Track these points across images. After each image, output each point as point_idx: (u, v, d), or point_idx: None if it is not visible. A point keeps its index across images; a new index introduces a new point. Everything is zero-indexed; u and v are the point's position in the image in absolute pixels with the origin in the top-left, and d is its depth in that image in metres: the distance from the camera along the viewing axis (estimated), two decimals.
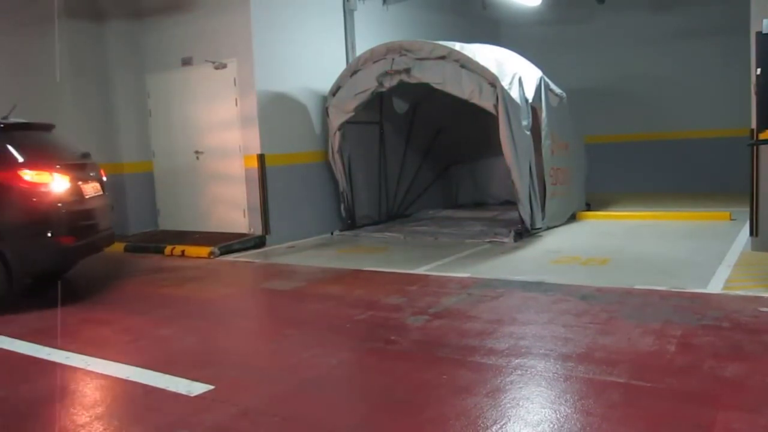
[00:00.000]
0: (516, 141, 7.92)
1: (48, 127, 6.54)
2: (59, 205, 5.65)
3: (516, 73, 8.28)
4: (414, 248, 7.82)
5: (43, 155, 5.90)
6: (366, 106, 9.08)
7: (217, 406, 3.28)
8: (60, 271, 6.63)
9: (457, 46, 8.22)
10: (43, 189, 5.59)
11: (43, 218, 5.61)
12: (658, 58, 12.45)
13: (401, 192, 10.66)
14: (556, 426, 2.87)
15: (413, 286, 5.78)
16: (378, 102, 9.68)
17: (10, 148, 5.68)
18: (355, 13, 9.95)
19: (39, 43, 9.29)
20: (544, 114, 8.67)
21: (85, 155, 6.51)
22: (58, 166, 5.80)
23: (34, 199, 5.57)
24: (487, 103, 7.92)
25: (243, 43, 8.50)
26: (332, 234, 9.29)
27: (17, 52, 9.55)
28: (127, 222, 9.58)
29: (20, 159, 5.64)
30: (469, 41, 8.77)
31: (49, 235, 5.59)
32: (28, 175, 5.57)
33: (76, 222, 5.81)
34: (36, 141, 6.11)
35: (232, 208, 8.98)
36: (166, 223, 9.83)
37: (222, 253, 7.93)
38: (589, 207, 10.11)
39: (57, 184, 5.68)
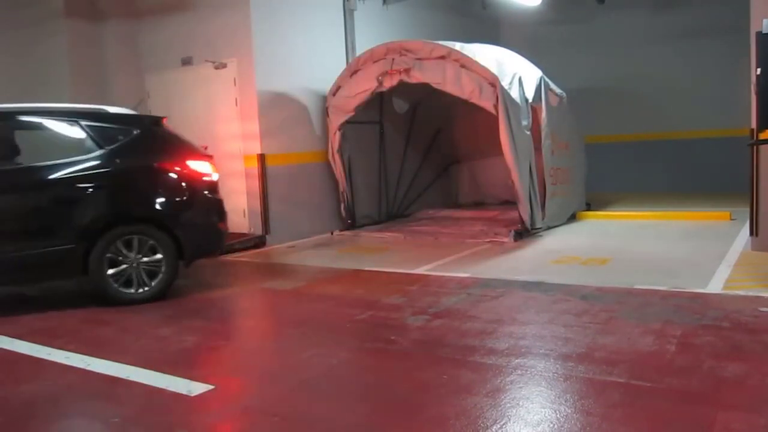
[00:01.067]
0: (516, 141, 7.92)
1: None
2: (217, 192, 6.12)
3: (516, 73, 8.29)
4: (414, 248, 7.82)
5: (190, 146, 6.18)
6: (366, 106, 9.08)
7: (217, 406, 3.28)
8: (211, 256, 6.72)
9: (457, 46, 8.22)
10: (205, 178, 5.99)
11: (209, 204, 6.03)
12: (658, 57, 12.45)
13: (401, 192, 10.66)
14: (556, 426, 2.87)
15: (413, 286, 5.78)
16: (378, 102, 9.68)
17: (173, 138, 6.15)
18: (355, 13, 9.94)
19: (39, 42, 9.30)
20: (544, 114, 8.67)
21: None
22: (207, 156, 6.23)
23: (200, 187, 5.98)
24: (487, 103, 7.91)
25: (243, 43, 8.50)
26: (332, 234, 9.29)
27: (17, 52, 9.56)
28: None
29: (193, 149, 6.11)
30: (469, 41, 8.77)
31: (214, 220, 6.06)
32: (193, 164, 5.95)
33: (224, 209, 6.24)
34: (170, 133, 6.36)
35: (232, 208, 8.94)
36: None
37: (222, 253, 7.92)
38: (589, 207, 10.11)
39: (213, 173, 6.09)
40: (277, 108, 8.72)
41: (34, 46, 9.35)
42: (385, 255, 7.51)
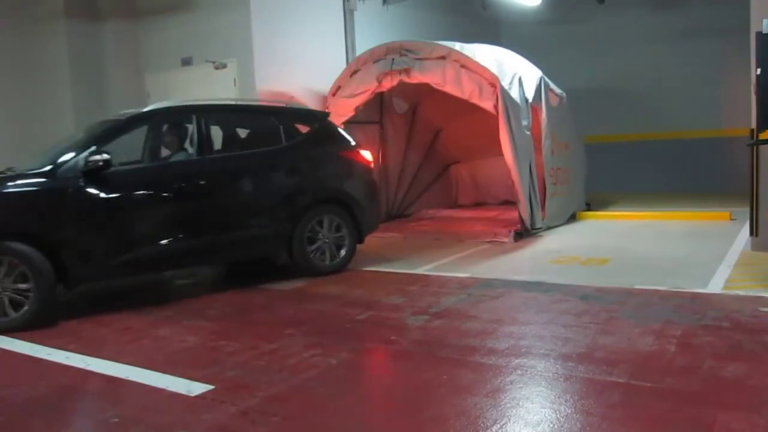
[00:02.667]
0: (516, 141, 7.92)
1: None
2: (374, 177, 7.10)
3: (516, 73, 8.28)
4: (414, 248, 7.81)
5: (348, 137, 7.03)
6: (366, 106, 9.07)
7: (217, 406, 3.28)
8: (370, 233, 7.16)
9: (457, 46, 8.22)
10: (371, 165, 7.00)
11: (374, 188, 7.06)
12: (658, 57, 12.44)
13: (401, 192, 10.66)
14: (556, 426, 2.87)
15: (413, 286, 5.77)
16: (378, 102, 9.67)
17: (338, 130, 7.05)
18: (355, 13, 9.94)
19: (39, 42, 9.29)
20: (544, 114, 8.67)
21: None
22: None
23: (370, 174, 6.95)
24: (487, 103, 7.91)
25: (243, 44, 8.49)
26: None
27: (17, 52, 9.55)
28: None
29: (353, 140, 6.92)
30: (469, 41, 8.76)
31: (377, 201, 7.13)
32: (364, 153, 6.92)
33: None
34: None
35: None
36: None
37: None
38: (589, 207, 10.11)
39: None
40: None
41: (34, 46, 9.34)
42: (385, 255, 7.50)
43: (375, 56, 8.65)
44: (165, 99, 9.44)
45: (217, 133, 6.46)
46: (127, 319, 5.17)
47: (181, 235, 5.64)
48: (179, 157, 6.06)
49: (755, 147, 6.35)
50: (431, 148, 11.15)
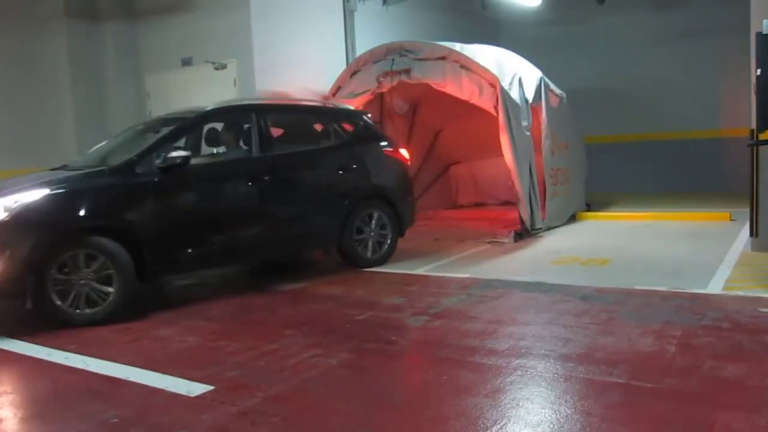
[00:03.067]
0: (516, 141, 7.92)
1: None
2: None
3: (516, 73, 8.28)
4: (414, 248, 7.81)
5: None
6: (366, 107, 9.05)
7: (217, 406, 3.28)
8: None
9: (457, 46, 8.22)
10: (408, 163, 7.38)
11: (412, 185, 7.39)
12: (658, 58, 12.44)
13: None
14: (556, 426, 2.87)
15: (413, 287, 5.77)
16: (378, 102, 9.67)
17: (377, 129, 7.47)
18: (355, 13, 9.95)
19: (39, 42, 9.29)
20: (544, 114, 8.67)
21: None
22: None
23: (408, 171, 7.33)
24: (487, 104, 7.91)
25: (243, 44, 8.50)
26: None
27: (17, 52, 9.56)
28: None
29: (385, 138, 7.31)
30: (469, 41, 8.76)
31: (414, 198, 7.37)
32: (402, 151, 7.27)
33: None
34: None
35: None
36: None
37: None
38: (589, 207, 10.11)
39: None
40: None
41: (34, 46, 9.34)
42: None
43: (375, 56, 8.65)
44: (165, 99, 9.55)
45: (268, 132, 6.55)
46: (127, 319, 5.17)
47: (251, 229, 5.93)
48: (238, 154, 6.24)
49: (755, 147, 6.35)
50: (431, 148, 11.15)
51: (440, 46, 8.26)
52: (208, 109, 6.10)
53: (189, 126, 5.94)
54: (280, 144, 6.44)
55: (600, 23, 12.83)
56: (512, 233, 8.03)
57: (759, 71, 5.49)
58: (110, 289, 4.99)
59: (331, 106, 7.28)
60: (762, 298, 4.79)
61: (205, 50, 8.89)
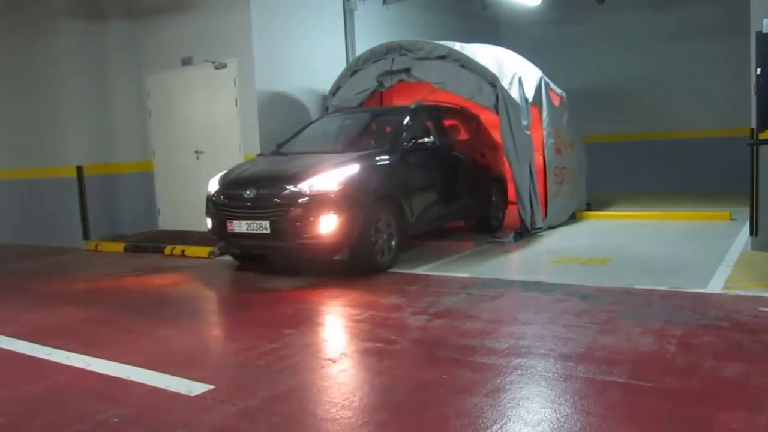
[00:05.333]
0: (516, 141, 7.92)
1: None
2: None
3: (516, 72, 8.28)
4: (413, 248, 7.81)
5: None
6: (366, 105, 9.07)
7: (217, 406, 3.28)
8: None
9: (457, 46, 8.22)
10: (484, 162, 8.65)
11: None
12: (658, 58, 12.45)
13: None
14: (556, 426, 2.87)
15: (413, 286, 5.78)
16: (378, 101, 9.66)
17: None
18: (355, 13, 9.94)
19: (39, 42, 9.29)
20: (545, 113, 8.67)
21: None
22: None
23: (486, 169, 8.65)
24: (487, 103, 7.92)
25: (243, 43, 8.50)
26: None
27: (17, 52, 9.56)
28: (125, 222, 9.59)
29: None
30: (469, 41, 8.77)
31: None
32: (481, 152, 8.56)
33: None
34: None
35: None
36: (166, 223, 9.83)
37: (222, 253, 7.92)
38: (589, 207, 10.11)
39: None
40: (276, 108, 8.71)
41: (35, 46, 9.34)
42: None
43: (375, 56, 8.65)
44: (165, 98, 9.56)
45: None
46: (127, 318, 5.18)
47: (447, 200, 7.68)
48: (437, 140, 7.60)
49: (755, 147, 6.35)
50: None
51: (440, 45, 8.26)
52: (411, 107, 7.62)
53: (413, 116, 7.39)
54: (444, 136, 7.91)
55: (600, 23, 12.84)
56: (512, 233, 8.03)
57: (759, 71, 5.49)
58: (393, 243, 6.50)
59: (464, 107, 8.60)
60: (762, 297, 4.79)
61: (205, 50, 8.89)
